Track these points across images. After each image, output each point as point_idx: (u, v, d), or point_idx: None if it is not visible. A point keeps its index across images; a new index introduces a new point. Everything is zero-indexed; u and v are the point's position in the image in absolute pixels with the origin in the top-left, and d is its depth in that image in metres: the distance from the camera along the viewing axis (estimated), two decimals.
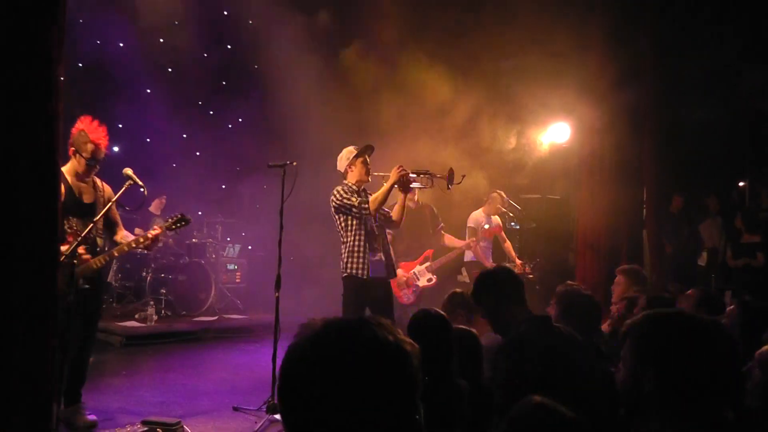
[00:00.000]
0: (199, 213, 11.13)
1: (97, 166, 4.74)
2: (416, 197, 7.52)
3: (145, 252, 8.46)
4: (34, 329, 2.92)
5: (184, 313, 9.58)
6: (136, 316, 8.85)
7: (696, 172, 10.66)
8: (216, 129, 11.35)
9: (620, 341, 2.08)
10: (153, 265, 9.53)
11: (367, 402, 1.30)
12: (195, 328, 8.88)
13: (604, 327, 4.92)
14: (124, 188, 4.61)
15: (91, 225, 4.34)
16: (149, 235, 4.82)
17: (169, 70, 10.99)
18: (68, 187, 4.66)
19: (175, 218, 5.14)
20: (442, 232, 8.00)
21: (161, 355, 7.63)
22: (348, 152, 5.90)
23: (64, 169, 4.66)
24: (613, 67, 8.15)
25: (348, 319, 1.44)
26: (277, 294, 5.47)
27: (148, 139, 10.74)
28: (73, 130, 4.70)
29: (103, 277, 4.96)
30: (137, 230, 8.93)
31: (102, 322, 6.25)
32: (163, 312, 9.39)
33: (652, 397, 1.91)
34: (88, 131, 4.65)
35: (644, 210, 8.44)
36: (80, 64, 9.73)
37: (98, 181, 4.88)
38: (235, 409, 5.49)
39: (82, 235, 4.31)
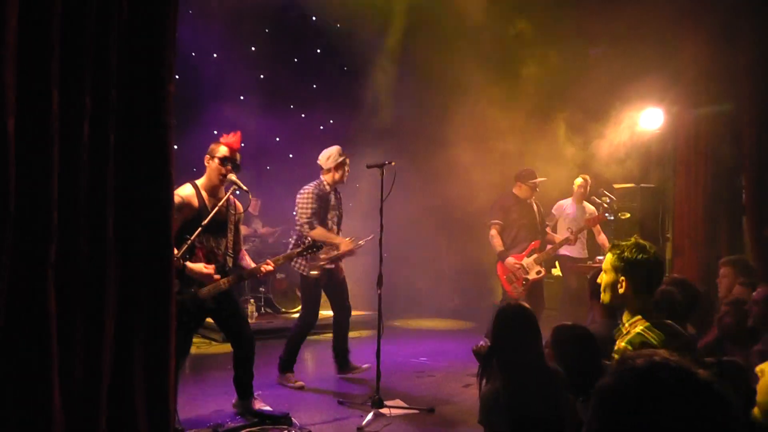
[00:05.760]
0: (294, 213, 11.42)
1: (233, 169, 4.87)
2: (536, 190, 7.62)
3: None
4: (153, 325, 3.15)
5: (283, 310, 9.89)
6: None
7: None
8: (308, 131, 11.62)
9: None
10: None
11: None
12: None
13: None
14: (229, 193, 4.83)
15: (198, 231, 4.56)
16: (262, 270, 5.09)
17: (261, 76, 11.33)
18: (202, 203, 4.83)
19: (307, 244, 5.47)
20: (547, 228, 8.00)
21: (263, 350, 7.79)
22: (337, 152, 6.50)
23: (199, 184, 4.91)
24: (708, 51, 7.92)
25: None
26: (379, 291, 5.63)
27: (242, 144, 11.09)
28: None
29: (233, 296, 5.13)
30: (242, 228, 9.36)
31: None
32: (262, 309, 9.74)
33: None
34: (221, 139, 4.97)
35: (744, 196, 8.12)
36: (177, 76, 10.14)
37: (233, 198, 5.03)
38: (340, 403, 5.67)
39: (191, 239, 4.55)
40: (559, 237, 7.89)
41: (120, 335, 2.98)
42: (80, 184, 2.77)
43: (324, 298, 6.61)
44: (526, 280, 7.28)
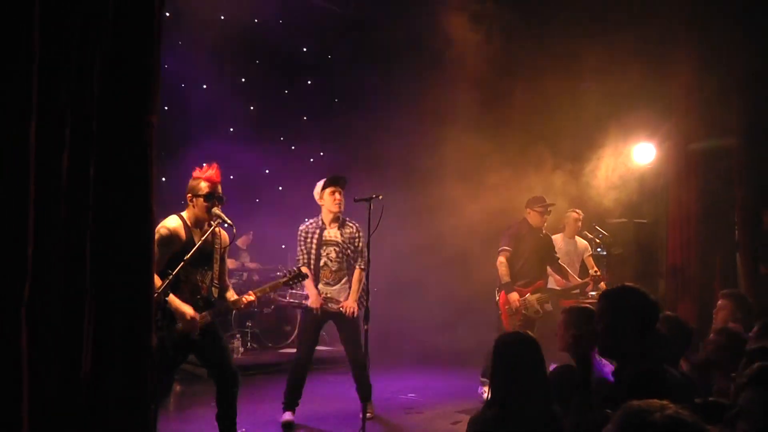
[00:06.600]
0: (283, 246, 11.35)
1: (218, 203, 4.78)
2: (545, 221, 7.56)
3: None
4: (131, 363, 3.04)
5: (269, 345, 9.76)
6: None
7: None
8: (298, 164, 11.57)
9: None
10: None
11: None
12: (281, 360, 8.99)
13: (700, 356, 4.73)
14: (213, 227, 4.74)
15: (181, 265, 4.46)
16: (244, 300, 5.02)
17: (251, 108, 11.30)
18: (189, 235, 4.76)
19: (292, 273, 5.29)
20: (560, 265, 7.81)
21: (249, 386, 7.69)
22: (321, 183, 6.40)
23: (185, 216, 4.83)
24: (700, 84, 7.95)
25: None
26: (366, 327, 5.53)
27: (231, 177, 11.04)
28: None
29: (217, 330, 5.04)
30: (228, 261, 9.26)
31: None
32: (249, 344, 9.59)
33: None
34: (200, 175, 4.82)
35: (736, 232, 8.10)
36: (165, 107, 10.11)
37: (218, 230, 4.92)
38: None
39: (173, 273, 4.44)
40: (577, 279, 7.76)
41: (96, 374, 2.87)
42: (58, 218, 2.68)
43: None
44: (524, 316, 7.14)
